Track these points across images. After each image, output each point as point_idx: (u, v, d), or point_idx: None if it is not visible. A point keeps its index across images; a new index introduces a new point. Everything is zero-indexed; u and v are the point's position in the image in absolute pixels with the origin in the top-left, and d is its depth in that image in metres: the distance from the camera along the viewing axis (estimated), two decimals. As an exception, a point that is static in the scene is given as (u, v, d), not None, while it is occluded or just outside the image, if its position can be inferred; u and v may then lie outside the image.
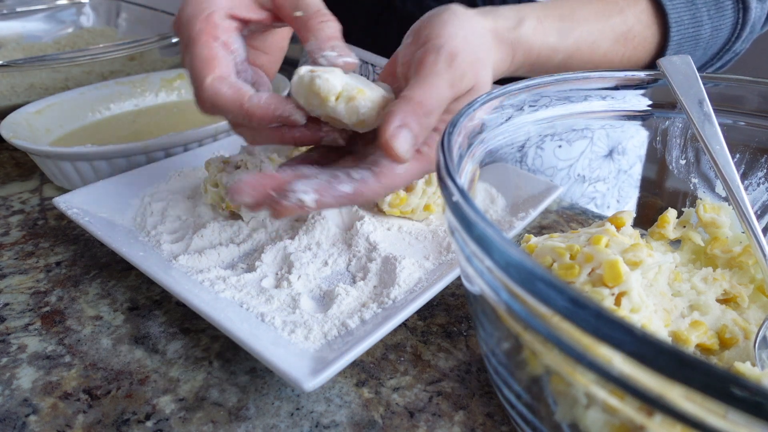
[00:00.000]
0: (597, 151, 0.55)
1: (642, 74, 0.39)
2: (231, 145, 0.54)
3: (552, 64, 0.46)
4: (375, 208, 0.46)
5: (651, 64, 0.51)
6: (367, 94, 0.32)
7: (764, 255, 0.32)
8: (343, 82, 0.32)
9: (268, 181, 0.30)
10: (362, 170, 0.32)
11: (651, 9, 0.48)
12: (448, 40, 0.34)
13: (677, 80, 0.36)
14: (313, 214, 0.43)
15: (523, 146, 0.45)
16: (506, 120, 0.36)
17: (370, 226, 0.42)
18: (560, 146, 0.56)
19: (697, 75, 0.36)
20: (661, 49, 0.49)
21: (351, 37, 0.36)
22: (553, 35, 0.44)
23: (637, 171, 0.58)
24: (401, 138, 0.30)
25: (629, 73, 0.39)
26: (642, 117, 0.40)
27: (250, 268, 0.39)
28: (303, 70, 0.32)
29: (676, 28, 0.47)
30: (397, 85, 0.37)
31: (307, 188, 0.30)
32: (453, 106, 0.35)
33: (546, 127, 0.39)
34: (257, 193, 0.30)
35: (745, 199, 0.32)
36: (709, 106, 0.35)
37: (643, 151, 0.55)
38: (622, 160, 0.57)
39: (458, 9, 0.37)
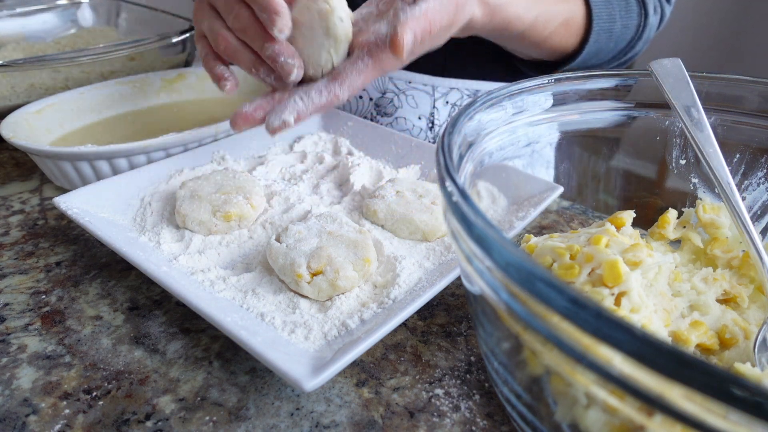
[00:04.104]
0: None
1: (638, 75, 0.39)
2: (231, 145, 0.54)
3: (513, 32, 0.54)
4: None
5: (576, 48, 0.62)
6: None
7: (760, 257, 0.31)
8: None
9: (257, 113, 0.41)
10: (327, 82, 0.41)
11: (584, 3, 0.60)
12: None
13: (668, 83, 0.36)
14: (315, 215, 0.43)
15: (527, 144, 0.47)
16: (506, 120, 0.36)
17: (370, 226, 0.42)
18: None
19: (688, 78, 0.36)
20: (586, 36, 0.61)
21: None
22: (521, 7, 0.52)
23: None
24: (409, 39, 0.38)
25: (626, 73, 0.39)
26: (640, 115, 0.40)
27: (250, 268, 0.39)
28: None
29: (597, 21, 0.60)
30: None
31: (291, 111, 0.40)
32: None
33: (544, 128, 0.39)
34: (248, 122, 0.41)
35: (740, 201, 0.32)
36: (700, 110, 0.35)
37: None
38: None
39: None
